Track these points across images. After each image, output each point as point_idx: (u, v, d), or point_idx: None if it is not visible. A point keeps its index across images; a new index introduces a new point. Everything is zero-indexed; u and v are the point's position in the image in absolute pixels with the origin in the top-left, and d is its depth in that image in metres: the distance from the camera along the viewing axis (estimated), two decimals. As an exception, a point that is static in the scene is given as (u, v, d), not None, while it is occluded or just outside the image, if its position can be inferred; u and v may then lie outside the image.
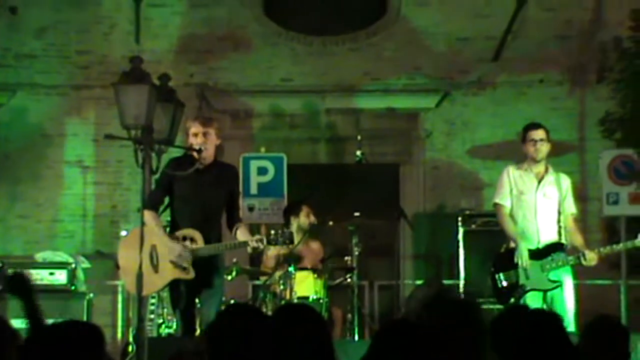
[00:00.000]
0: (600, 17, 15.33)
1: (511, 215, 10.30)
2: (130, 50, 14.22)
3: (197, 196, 9.37)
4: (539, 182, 10.29)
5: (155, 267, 9.23)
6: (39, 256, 12.60)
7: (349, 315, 11.55)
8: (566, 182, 10.41)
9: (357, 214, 11.64)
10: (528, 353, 4.30)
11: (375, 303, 13.94)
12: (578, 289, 10.25)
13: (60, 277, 11.98)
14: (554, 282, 9.96)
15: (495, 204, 10.55)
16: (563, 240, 10.15)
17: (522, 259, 10.01)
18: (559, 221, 10.22)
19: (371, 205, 12.45)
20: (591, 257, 9.98)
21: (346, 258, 11.52)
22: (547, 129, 10.46)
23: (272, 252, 11.72)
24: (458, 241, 13.57)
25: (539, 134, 10.33)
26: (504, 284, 10.13)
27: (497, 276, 10.20)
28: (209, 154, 9.48)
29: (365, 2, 15.85)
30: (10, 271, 11.62)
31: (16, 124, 15.29)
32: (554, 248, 10.09)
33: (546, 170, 10.36)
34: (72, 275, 12.00)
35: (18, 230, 15.19)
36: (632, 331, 6.68)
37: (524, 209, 10.27)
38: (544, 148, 10.30)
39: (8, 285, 5.81)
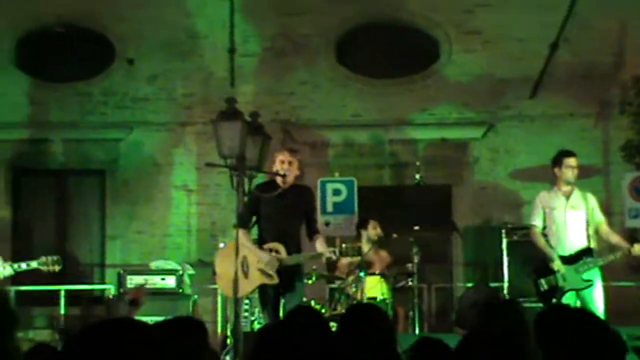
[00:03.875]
0: (621, 60, 15.16)
1: (545, 231, 10.22)
2: (226, 92, 14.25)
3: (279, 215, 9.36)
4: (567, 199, 10.20)
5: (245, 274, 9.25)
6: (153, 265, 12.68)
7: (410, 313, 11.50)
8: (592, 198, 10.31)
9: (416, 227, 11.58)
10: (572, 347, 4.12)
11: (432, 302, 13.85)
12: (606, 290, 10.11)
13: (170, 281, 12.02)
14: (587, 281, 9.90)
15: (530, 225, 10.48)
16: (592, 245, 10.05)
17: (557, 266, 9.95)
18: (587, 229, 10.11)
19: (428, 220, 12.38)
20: (638, 248, 9.91)
21: (408, 265, 11.47)
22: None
23: (346, 260, 11.70)
24: (502, 250, 13.44)
25: (575, 160, 10.25)
26: (545, 287, 10.06)
27: (539, 282, 10.13)
28: (290, 180, 9.47)
29: (421, 49, 15.78)
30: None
31: (133, 155, 15.42)
32: (585, 252, 10.01)
33: (572, 189, 10.27)
34: (179, 280, 12.04)
35: (135, 243, 15.29)
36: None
37: (556, 223, 10.17)
38: (575, 173, 10.23)
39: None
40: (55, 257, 9.88)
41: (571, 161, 10.23)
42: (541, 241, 10.21)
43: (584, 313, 4.57)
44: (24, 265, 9.79)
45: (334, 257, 9.36)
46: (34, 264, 9.81)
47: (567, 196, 10.21)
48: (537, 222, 10.28)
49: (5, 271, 9.72)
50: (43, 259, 9.83)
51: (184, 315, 5.22)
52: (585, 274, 9.91)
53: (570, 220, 10.13)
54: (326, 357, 4.51)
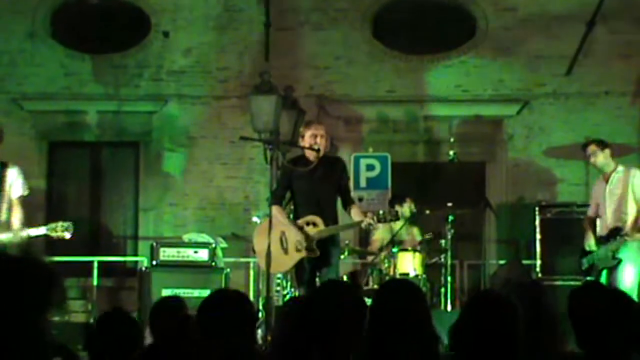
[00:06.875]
0: (658, 38, 15.10)
1: (597, 215, 10.50)
2: (260, 66, 14.31)
3: (313, 189, 9.32)
4: (607, 182, 10.37)
5: (285, 250, 9.22)
6: (186, 237, 12.71)
7: (443, 289, 11.53)
8: (635, 175, 10.35)
9: (449, 204, 11.61)
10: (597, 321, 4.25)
11: (464, 279, 13.89)
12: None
13: (202, 254, 11.99)
14: (616, 259, 10.08)
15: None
16: (621, 224, 10.17)
17: (588, 246, 10.36)
18: (621, 210, 10.24)
19: (461, 197, 12.37)
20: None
21: (440, 241, 11.50)
22: (597, 140, 10.55)
23: (377, 235, 11.75)
24: (535, 228, 13.43)
25: (588, 150, 10.49)
26: (586, 266, 10.40)
27: (581, 261, 10.47)
28: (321, 154, 9.48)
29: (456, 25, 15.75)
30: None
31: (167, 128, 15.49)
32: (614, 232, 10.20)
33: (614, 169, 10.36)
34: (212, 254, 12.02)
35: (169, 215, 15.39)
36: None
37: (601, 208, 10.41)
38: (599, 159, 10.38)
39: None
40: (65, 224, 9.42)
41: (586, 152, 10.50)
42: (585, 225, 10.62)
43: (612, 290, 4.67)
44: (32, 232, 9.41)
45: (372, 224, 9.26)
46: (42, 230, 9.42)
47: (607, 179, 10.36)
48: (589, 212, 10.73)
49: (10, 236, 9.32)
50: (52, 224, 9.37)
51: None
52: (616, 253, 10.06)
53: (609, 203, 10.34)
54: (356, 331, 4.57)
